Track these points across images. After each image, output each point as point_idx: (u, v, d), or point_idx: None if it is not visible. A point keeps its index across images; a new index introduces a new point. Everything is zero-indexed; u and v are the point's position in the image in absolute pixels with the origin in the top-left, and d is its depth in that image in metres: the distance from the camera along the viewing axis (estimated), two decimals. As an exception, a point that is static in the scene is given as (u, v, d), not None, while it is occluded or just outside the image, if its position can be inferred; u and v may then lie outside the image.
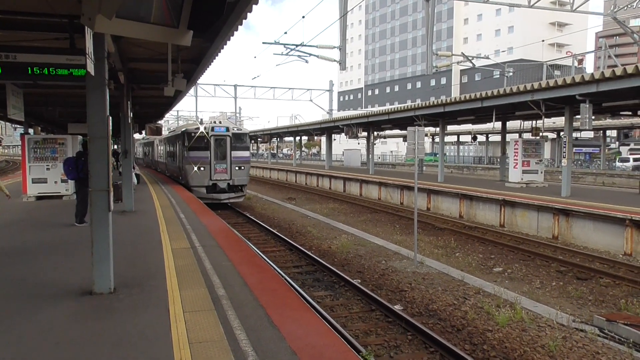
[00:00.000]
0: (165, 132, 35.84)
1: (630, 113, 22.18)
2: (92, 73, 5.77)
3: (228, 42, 9.73)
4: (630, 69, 13.86)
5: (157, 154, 35.88)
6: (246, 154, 22.05)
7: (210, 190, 21.02)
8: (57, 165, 15.53)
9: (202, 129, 20.88)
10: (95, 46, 5.88)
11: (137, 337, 4.83)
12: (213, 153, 21.03)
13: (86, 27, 5.07)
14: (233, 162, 21.32)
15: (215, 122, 21.97)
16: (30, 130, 23.43)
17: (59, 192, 16.33)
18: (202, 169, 20.78)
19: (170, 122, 75.73)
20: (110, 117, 6.16)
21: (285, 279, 7.32)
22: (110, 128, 6.16)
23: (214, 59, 11.74)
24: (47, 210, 14.12)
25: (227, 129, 21.44)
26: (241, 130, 22.53)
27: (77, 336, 4.87)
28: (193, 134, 20.84)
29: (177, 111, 71.88)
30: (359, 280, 10.57)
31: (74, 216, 11.50)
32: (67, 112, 20.96)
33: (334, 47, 26.83)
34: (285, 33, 30.41)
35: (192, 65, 12.69)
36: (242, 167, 21.61)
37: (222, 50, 10.72)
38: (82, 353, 4.51)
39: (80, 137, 16.86)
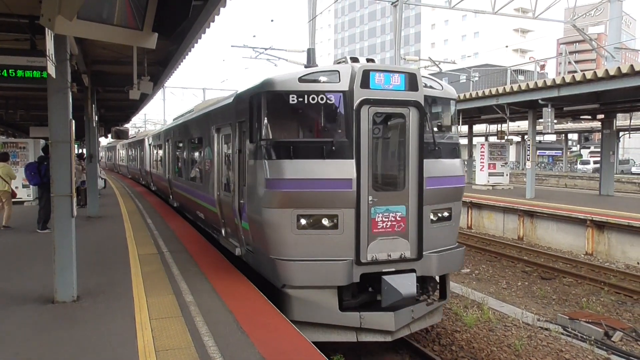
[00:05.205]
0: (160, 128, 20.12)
1: (590, 117, 22.91)
2: (54, 75, 5.60)
3: (196, 44, 9.59)
4: (588, 75, 14.34)
5: (151, 163, 20.22)
6: (455, 166, 7.16)
7: (353, 299, 6.38)
8: (19, 170, 15.03)
9: (324, 79, 6.22)
10: (56, 48, 5.70)
11: (101, 346, 4.71)
12: (369, 165, 6.23)
13: (46, 29, 4.93)
14: (428, 193, 6.52)
15: (360, 59, 6.81)
16: (-11, 134, 22.61)
17: (21, 198, 15.80)
18: (325, 222, 6.12)
19: (137, 124, 74.34)
20: (73, 121, 6.00)
21: (254, 285, 7.25)
22: (73, 132, 6.00)
23: (182, 61, 11.55)
24: (7, 216, 13.62)
25: (411, 84, 6.36)
26: (442, 89, 7.08)
27: (38, 346, 4.72)
28: (288, 98, 6.22)
29: (145, 114, 70.72)
30: (329, 284, 10.55)
31: (37, 222, 11.17)
32: (29, 115, 20.21)
33: (304, 51, 26.84)
34: (254, 36, 30.26)
35: (159, 67, 12.46)
36: (446, 213, 7.02)
37: (189, 53, 10.57)
38: (43, 364, 4.37)
39: (42, 141, 16.37)
